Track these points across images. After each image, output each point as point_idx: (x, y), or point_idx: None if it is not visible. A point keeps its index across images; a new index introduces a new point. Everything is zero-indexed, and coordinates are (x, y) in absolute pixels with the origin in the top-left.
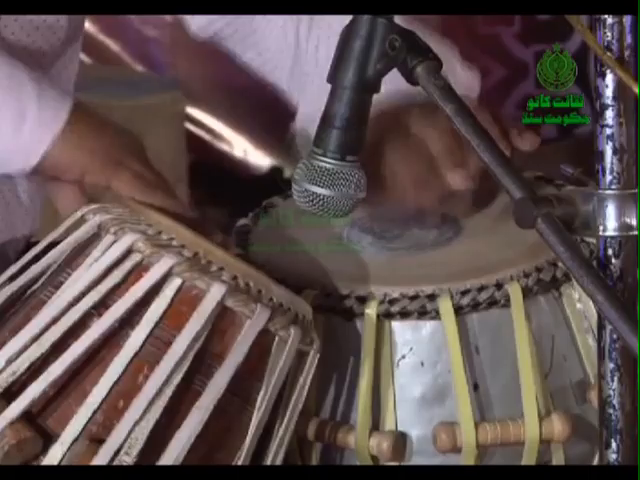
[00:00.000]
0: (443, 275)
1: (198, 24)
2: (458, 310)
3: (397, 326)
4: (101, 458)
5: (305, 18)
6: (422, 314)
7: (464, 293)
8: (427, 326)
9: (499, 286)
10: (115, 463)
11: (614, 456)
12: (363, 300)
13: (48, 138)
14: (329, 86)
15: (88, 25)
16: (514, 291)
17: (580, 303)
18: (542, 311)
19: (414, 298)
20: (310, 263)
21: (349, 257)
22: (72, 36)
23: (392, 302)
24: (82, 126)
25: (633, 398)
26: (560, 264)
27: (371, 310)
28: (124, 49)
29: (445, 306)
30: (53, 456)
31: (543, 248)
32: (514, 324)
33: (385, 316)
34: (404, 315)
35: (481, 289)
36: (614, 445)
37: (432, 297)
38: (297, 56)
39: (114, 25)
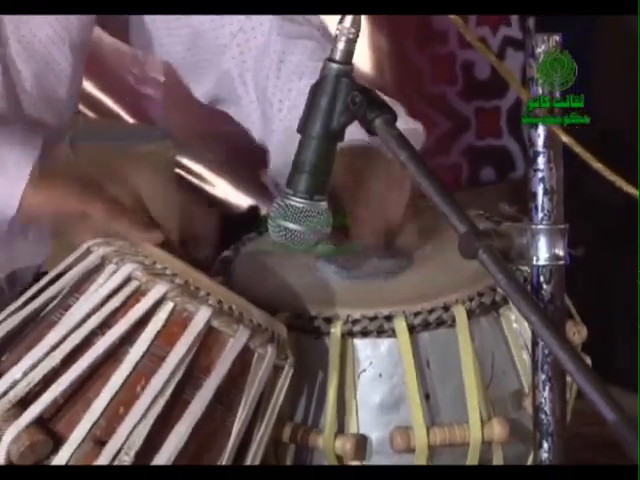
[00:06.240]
0: (398, 299)
1: (199, 93)
2: (411, 329)
3: (359, 343)
4: (103, 458)
5: (270, 85)
6: (380, 333)
7: (416, 315)
8: (385, 343)
9: (446, 308)
10: (116, 462)
11: (545, 455)
12: (329, 321)
13: (18, 190)
14: (291, 140)
15: (88, 84)
16: (459, 313)
17: (516, 323)
18: (484, 330)
19: (373, 319)
20: (283, 289)
21: (317, 284)
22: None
23: (354, 322)
24: (50, 171)
25: (562, 405)
26: (499, 289)
27: (336, 329)
28: (121, 105)
29: (400, 326)
30: (62, 456)
31: (484, 276)
32: (460, 342)
33: (348, 335)
34: (365, 334)
35: (431, 311)
36: (546, 445)
37: (389, 318)
38: (265, 117)
39: (112, 84)
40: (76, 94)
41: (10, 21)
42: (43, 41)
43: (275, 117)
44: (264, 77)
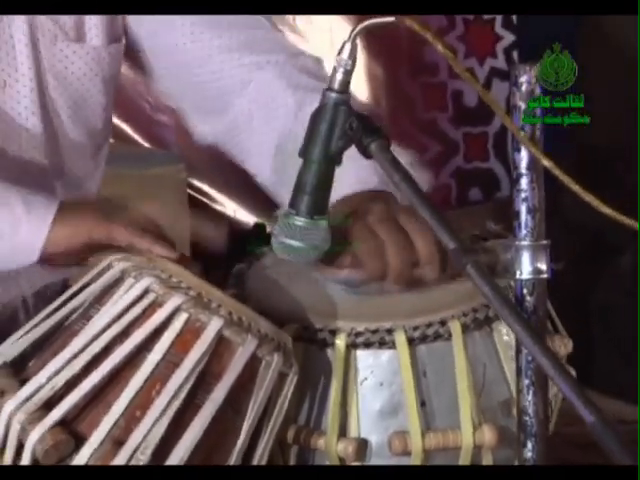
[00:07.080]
0: (399, 314)
1: (199, 134)
2: (410, 342)
3: (361, 354)
4: (121, 457)
5: (287, 131)
6: (381, 344)
7: (415, 328)
8: (385, 354)
9: (443, 323)
10: (132, 461)
11: (529, 454)
12: (334, 333)
13: (42, 235)
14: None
15: None
16: (455, 327)
17: (507, 336)
18: (477, 343)
19: (375, 332)
20: (293, 303)
21: (324, 298)
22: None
23: (357, 335)
24: (69, 213)
25: (544, 407)
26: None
27: (340, 341)
28: (137, 131)
29: (400, 338)
30: (83, 455)
31: (478, 294)
32: (454, 354)
33: (352, 346)
34: (367, 345)
35: (429, 325)
36: (529, 445)
37: (390, 331)
38: (279, 165)
39: (129, 111)
40: (109, 123)
41: (45, 58)
42: (77, 76)
43: (291, 166)
44: (281, 125)
